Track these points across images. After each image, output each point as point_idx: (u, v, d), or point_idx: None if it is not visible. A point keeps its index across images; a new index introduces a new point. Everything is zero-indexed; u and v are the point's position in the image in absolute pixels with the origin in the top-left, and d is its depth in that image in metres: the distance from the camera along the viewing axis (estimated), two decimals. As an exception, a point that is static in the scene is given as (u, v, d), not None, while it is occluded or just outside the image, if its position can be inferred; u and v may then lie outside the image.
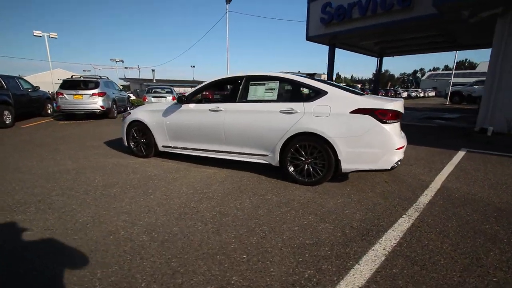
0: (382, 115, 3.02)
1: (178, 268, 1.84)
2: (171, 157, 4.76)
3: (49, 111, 11.41)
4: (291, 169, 3.48)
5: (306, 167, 3.39)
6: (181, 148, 4.32)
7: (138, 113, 4.67)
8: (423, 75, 74.29)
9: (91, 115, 11.02)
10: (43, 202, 2.91)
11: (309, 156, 3.35)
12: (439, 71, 65.66)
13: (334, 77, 15.08)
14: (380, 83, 22.79)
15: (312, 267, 1.87)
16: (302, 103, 3.37)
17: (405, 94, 36.41)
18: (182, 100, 4.10)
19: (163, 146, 4.51)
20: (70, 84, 9.89)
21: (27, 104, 9.80)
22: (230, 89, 4.06)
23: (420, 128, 8.67)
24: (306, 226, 2.42)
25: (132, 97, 20.25)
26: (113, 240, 2.18)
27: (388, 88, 45.62)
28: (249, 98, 3.77)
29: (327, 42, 10.53)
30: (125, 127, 4.79)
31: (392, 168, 3.16)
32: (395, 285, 1.70)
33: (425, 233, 2.35)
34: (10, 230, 2.35)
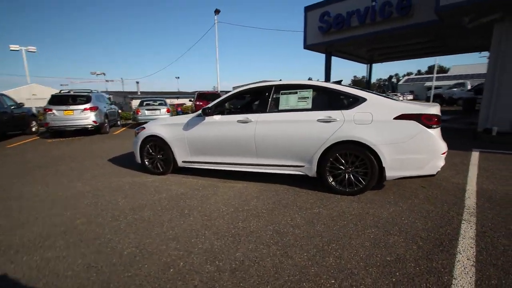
0: (428, 120, 2.98)
1: (267, 303, 1.62)
2: (189, 173, 4.48)
3: (33, 129, 10.65)
4: (330, 179, 3.35)
5: (346, 177, 3.27)
6: (205, 162, 4.07)
7: (154, 128, 4.38)
8: (398, 80, 77.96)
9: (80, 132, 10.40)
10: (70, 234, 2.57)
11: (350, 165, 3.24)
12: (414, 76, 69.15)
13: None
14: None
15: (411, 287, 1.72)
16: (340, 111, 3.28)
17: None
18: (206, 112, 3.88)
19: (183, 162, 4.23)
20: (59, 99, 9.31)
21: (11, 122, 9.08)
22: (259, 99, 3.91)
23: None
24: (375, 241, 2.27)
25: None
26: (176, 274, 1.91)
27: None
28: (281, 108, 3.62)
29: (323, 50, 10.70)
30: (139, 143, 4.48)
31: (437, 173, 3.11)
32: (509, 302, 1.58)
33: (495, 238, 2.28)
34: (44, 273, 2.01)
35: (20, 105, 9.85)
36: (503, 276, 1.81)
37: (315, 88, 3.52)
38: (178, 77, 62.16)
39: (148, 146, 4.44)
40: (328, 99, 3.42)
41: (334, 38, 9.57)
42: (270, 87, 3.75)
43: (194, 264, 2.02)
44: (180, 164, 4.27)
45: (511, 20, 6.04)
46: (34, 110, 12.80)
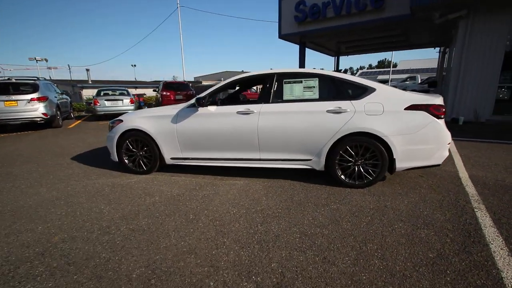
0: (436, 110, 2.98)
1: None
2: (178, 171, 4.01)
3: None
4: (339, 172, 3.22)
5: (356, 169, 3.18)
6: (199, 159, 3.65)
7: (135, 121, 3.79)
8: (352, 73, 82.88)
9: (27, 126, 8.92)
10: (51, 256, 2.03)
11: (360, 157, 3.14)
12: (366, 69, 73.92)
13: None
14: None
15: (469, 286, 1.64)
16: (349, 101, 3.13)
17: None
18: (201, 102, 3.44)
19: (172, 159, 3.75)
20: (-3, 88, 7.76)
21: None
22: (260, 88, 3.58)
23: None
24: (409, 237, 2.18)
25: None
26: (211, 298, 1.58)
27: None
28: (285, 98, 3.36)
29: (297, 41, 10.61)
30: (116, 138, 3.85)
31: (442, 163, 3.17)
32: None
33: (512, 226, 2.36)
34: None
35: None
36: (540, 263, 1.84)
37: (321, 77, 3.32)
38: (135, 65, 57.41)
39: (127, 141, 3.85)
40: (335, 89, 3.25)
41: (309, 28, 9.51)
42: (272, 75, 3.45)
43: (227, 282, 1.70)
44: (168, 161, 3.78)
45: (475, 17, 6.54)
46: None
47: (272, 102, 3.36)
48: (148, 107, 18.81)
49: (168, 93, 13.30)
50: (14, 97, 7.72)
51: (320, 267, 1.83)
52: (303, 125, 3.20)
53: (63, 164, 4.58)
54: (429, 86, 16.02)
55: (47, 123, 8.61)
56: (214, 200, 2.96)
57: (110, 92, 12.31)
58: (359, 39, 11.31)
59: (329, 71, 3.41)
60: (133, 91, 37.63)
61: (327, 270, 1.80)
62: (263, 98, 3.40)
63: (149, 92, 29.83)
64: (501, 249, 2.01)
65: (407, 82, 23.56)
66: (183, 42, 21.46)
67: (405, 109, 3.01)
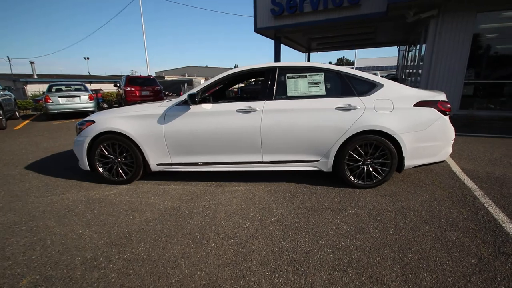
0: (443, 107, 2.95)
1: None
2: (164, 178, 3.52)
3: None
4: (348, 173, 3.06)
5: (365, 169, 3.03)
6: (192, 164, 3.20)
7: (111, 121, 3.19)
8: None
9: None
10: (20, 309, 1.50)
11: (369, 156, 3.00)
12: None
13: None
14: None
15: (529, 297, 1.54)
16: (358, 97, 2.96)
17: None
18: (194, 100, 2.99)
19: (159, 165, 3.24)
20: None
21: None
22: (261, 84, 3.23)
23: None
24: (442, 241, 2.06)
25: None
26: None
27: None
28: (289, 94, 3.07)
29: (273, 36, 10.37)
30: (86, 143, 3.22)
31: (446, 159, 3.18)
32: None
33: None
34: None
35: None
36: None
37: (327, 71, 3.09)
38: (88, 58, 52.09)
39: (101, 146, 3.24)
40: (342, 84, 3.05)
41: (285, 23, 9.33)
42: (273, 68, 3.14)
43: (273, 324, 1.38)
44: (154, 168, 3.27)
45: (444, 17, 6.93)
46: None
47: (275, 99, 3.05)
48: (108, 104, 17.16)
49: (133, 89, 12.18)
50: None
51: (371, 289, 1.59)
52: (310, 123, 2.95)
53: (16, 176, 3.76)
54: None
55: (-15, 124, 7.22)
56: (219, 212, 2.58)
57: (64, 88, 10.85)
58: (332, 36, 11.48)
59: (333, 65, 3.20)
60: (87, 86, 34.48)
61: (381, 293, 1.57)
62: (265, 94, 3.07)
63: (107, 87, 27.29)
64: (531, 247, 1.98)
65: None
66: (146, 34, 19.91)
67: (413, 105, 2.92)
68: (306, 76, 3.09)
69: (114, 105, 16.64)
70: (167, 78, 45.84)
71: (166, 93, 18.03)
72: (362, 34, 11.01)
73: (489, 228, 2.23)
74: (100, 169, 3.32)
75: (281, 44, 13.02)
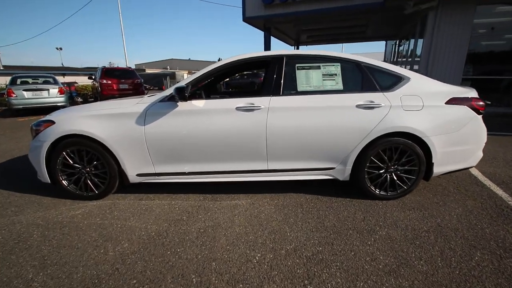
0: (478, 105, 2.53)
1: None
2: (146, 190, 2.91)
3: None
4: (369, 182, 2.60)
5: (388, 178, 2.58)
6: (180, 174, 2.61)
7: (75, 122, 2.52)
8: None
9: None
10: None
11: (393, 162, 2.56)
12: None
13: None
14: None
15: None
16: (381, 93, 2.49)
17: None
18: (183, 95, 2.38)
19: (139, 175, 2.63)
20: None
21: None
22: (266, 76, 2.67)
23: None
24: (502, 274, 1.64)
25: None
26: None
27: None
28: (300, 89, 2.54)
29: (262, 26, 9.75)
30: (45, 149, 2.54)
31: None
32: None
33: None
34: None
35: None
36: None
37: (344, 61, 2.58)
38: (61, 48, 48.47)
39: (65, 153, 2.57)
40: (362, 77, 2.56)
41: (276, 12, 8.74)
42: (280, 57, 2.59)
43: None
44: (133, 179, 2.65)
45: (443, 9, 6.63)
46: None
47: (283, 94, 2.51)
48: (83, 98, 15.86)
49: (109, 82, 11.18)
50: None
51: None
52: (326, 124, 2.44)
53: (-45, 190, 2.99)
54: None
55: None
56: (219, 239, 2.03)
57: (30, 80, 9.70)
58: (322, 28, 11.03)
59: (351, 54, 2.70)
60: (60, 78, 32.12)
61: None
62: (271, 88, 2.52)
63: (82, 80, 25.42)
64: None
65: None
66: (125, 24, 18.51)
67: (445, 103, 2.49)
68: (319, 67, 2.57)
69: (90, 100, 15.42)
70: (148, 71, 43.80)
71: (148, 86, 16.98)
72: (354, 27, 10.65)
73: (550, 253, 1.85)
74: (64, 182, 2.65)
75: (274, 37, 12.45)
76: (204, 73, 2.60)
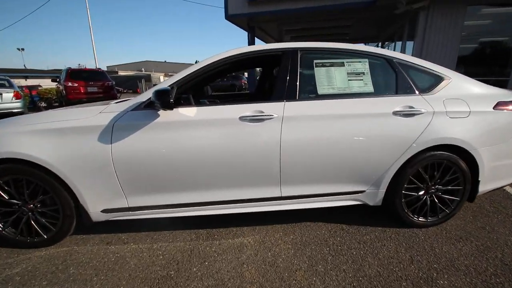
0: (527, 110, 2.12)
1: None
2: (115, 229, 2.19)
3: None
4: (406, 207, 2.09)
5: (429, 201, 2.09)
6: (164, 207, 1.93)
7: (11, 141, 1.76)
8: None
9: None
10: None
11: (435, 182, 2.07)
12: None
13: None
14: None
15: None
16: (421, 96, 1.99)
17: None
18: (167, 100, 1.70)
19: (106, 212, 1.91)
20: None
21: None
22: (278, 76, 2.05)
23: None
24: None
25: None
26: None
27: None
28: (321, 92, 1.97)
29: (246, 25, 9.17)
30: (-37, 180, 1.76)
31: None
32: None
33: None
34: None
35: None
36: None
37: (373, 57, 2.06)
38: (23, 49, 44.45)
39: (-4, 185, 1.80)
40: (396, 76, 2.05)
41: (261, 10, 8.22)
42: (293, 51, 2.01)
43: None
44: (97, 217, 1.92)
45: (434, 9, 6.47)
46: None
47: (300, 99, 1.93)
48: (47, 103, 14.29)
49: (76, 84, 10.03)
50: None
51: None
52: (355, 137, 1.90)
53: None
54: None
55: None
56: (225, 310, 1.39)
57: (-22, 83, 8.34)
58: (306, 29, 10.70)
59: (380, 48, 2.18)
60: (21, 82, 29.18)
61: None
62: (285, 91, 1.93)
63: (47, 83, 23.25)
64: None
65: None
66: (94, 23, 17.04)
67: (493, 108, 2.05)
68: (343, 64, 2.02)
69: (55, 104, 13.92)
70: (121, 73, 41.44)
71: (121, 89, 15.70)
72: (337, 27, 10.42)
73: None
74: (-5, 225, 1.88)
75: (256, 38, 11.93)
76: (194, 71, 1.94)
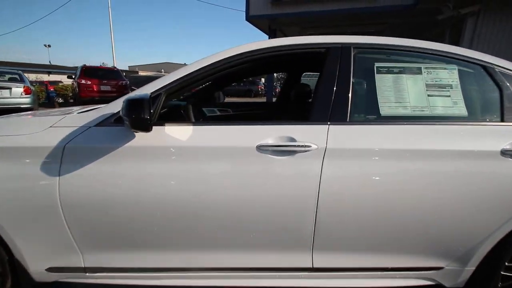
0: None
1: None
2: None
3: None
4: (503, 295, 1.35)
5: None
6: (137, 272, 1.29)
7: None
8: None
9: None
10: None
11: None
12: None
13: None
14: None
15: None
16: (540, 124, 1.27)
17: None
18: (142, 120, 1.06)
19: (52, 270, 1.29)
20: None
21: None
22: (318, 84, 1.38)
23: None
24: None
25: None
26: None
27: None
28: (386, 112, 1.26)
29: (267, 27, 8.61)
30: None
31: None
32: None
33: None
34: None
35: None
36: None
37: (464, 62, 1.35)
38: (49, 46, 45.98)
39: None
40: (501, 93, 1.33)
41: (285, 11, 7.63)
42: (344, 48, 1.33)
43: None
44: (41, 277, 1.31)
45: (485, 16, 5.62)
46: None
47: (353, 122, 1.24)
48: (64, 99, 14.29)
49: (89, 82, 9.82)
50: None
51: None
52: (437, 187, 1.19)
53: None
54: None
55: None
56: None
57: (-9, 75, 8.21)
58: (331, 34, 9.99)
59: (472, 51, 1.47)
60: (45, 77, 30.11)
61: None
62: (329, 109, 1.24)
63: (67, 80, 23.69)
64: None
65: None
66: (113, 23, 17.15)
67: None
68: (419, 71, 1.33)
69: (70, 101, 13.89)
70: (142, 73, 42.13)
71: (135, 89, 15.52)
72: (368, 33, 9.62)
73: None
74: None
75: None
76: (191, 74, 1.29)
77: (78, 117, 1.27)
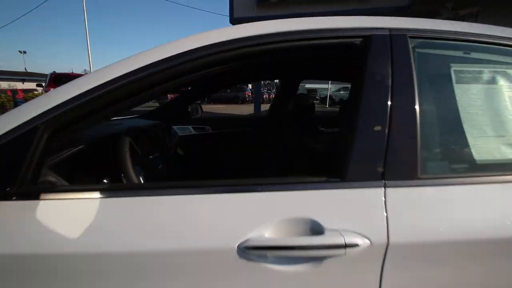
0: None
1: None
2: None
3: None
4: None
5: None
6: None
7: None
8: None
9: None
10: None
11: None
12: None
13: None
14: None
15: None
16: None
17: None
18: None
19: None
20: None
21: None
22: (356, 103, 0.76)
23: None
24: None
25: None
26: None
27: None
28: (483, 156, 0.68)
29: (252, 30, 8.08)
30: None
31: None
32: None
33: None
34: None
35: None
36: None
37: None
38: (25, 52, 43.39)
39: None
40: None
41: (272, 13, 7.15)
42: (396, 37, 0.72)
43: None
44: None
45: (484, 16, 5.33)
46: None
47: (426, 176, 0.63)
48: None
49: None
50: None
51: None
52: None
53: None
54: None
55: None
56: None
57: None
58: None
59: None
60: (18, 85, 28.39)
61: None
62: (383, 154, 0.61)
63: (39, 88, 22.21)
64: None
65: (341, 92, 24.08)
66: (93, 29, 16.16)
67: None
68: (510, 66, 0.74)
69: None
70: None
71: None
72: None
73: None
74: None
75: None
76: (112, 84, 0.65)
77: None
